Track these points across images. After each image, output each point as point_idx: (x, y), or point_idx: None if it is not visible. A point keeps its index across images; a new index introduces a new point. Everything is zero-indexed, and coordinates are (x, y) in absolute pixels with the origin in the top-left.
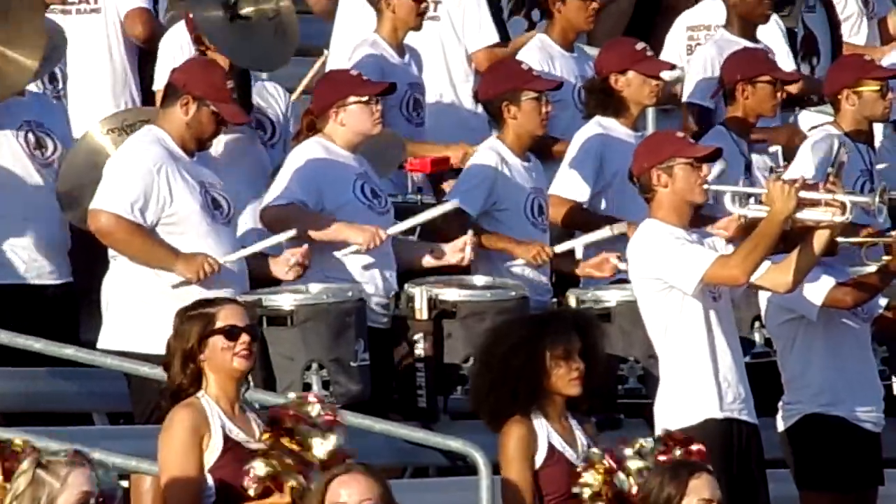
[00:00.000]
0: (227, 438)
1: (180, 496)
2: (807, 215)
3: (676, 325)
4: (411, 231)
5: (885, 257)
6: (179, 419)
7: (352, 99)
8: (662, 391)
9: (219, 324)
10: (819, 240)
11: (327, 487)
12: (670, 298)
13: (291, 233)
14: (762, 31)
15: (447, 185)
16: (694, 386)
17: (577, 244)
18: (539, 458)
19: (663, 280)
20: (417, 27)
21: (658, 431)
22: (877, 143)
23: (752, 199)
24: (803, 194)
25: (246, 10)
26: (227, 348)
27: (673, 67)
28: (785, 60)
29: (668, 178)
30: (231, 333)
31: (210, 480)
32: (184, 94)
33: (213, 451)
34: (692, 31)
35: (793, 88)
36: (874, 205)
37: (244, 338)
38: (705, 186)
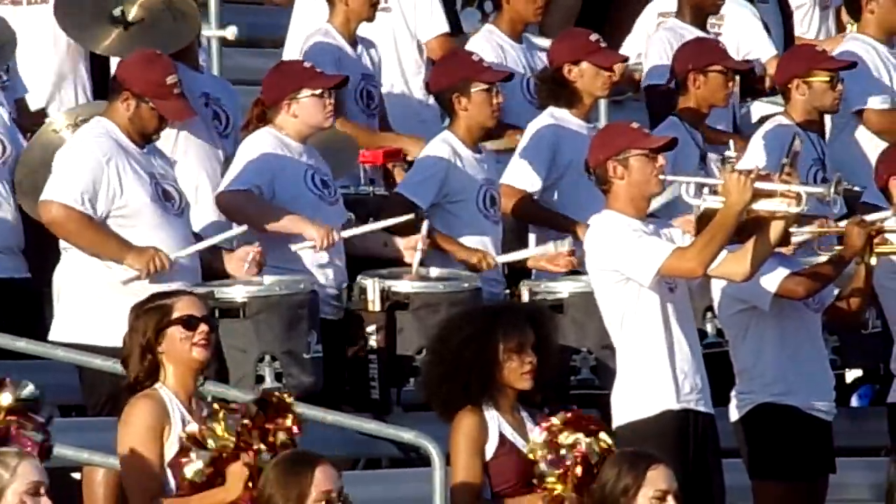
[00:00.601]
0: None
1: (141, 487)
2: (762, 206)
3: (633, 316)
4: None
5: (837, 247)
6: (139, 410)
7: (305, 91)
8: (619, 383)
9: (175, 314)
10: (775, 230)
11: (311, 476)
12: (627, 290)
13: (243, 228)
14: (739, 20)
15: (398, 174)
16: (650, 377)
17: (520, 257)
18: (490, 449)
19: (620, 272)
20: (370, 18)
21: (616, 423)
22: (827, 133)
23: (707, 190)
24: (759, 185)
25: (133, 15)
26: (186, 338)
27: (626, 60)
28: (767, 46)
29: (624, 170)
30: (189, 323)
31: (170, 474)
32: (124, 90)
33: (172, 444)
34: (664, 17)
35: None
36: (829, 195)
37: (202, 327)
38: (661, 177)
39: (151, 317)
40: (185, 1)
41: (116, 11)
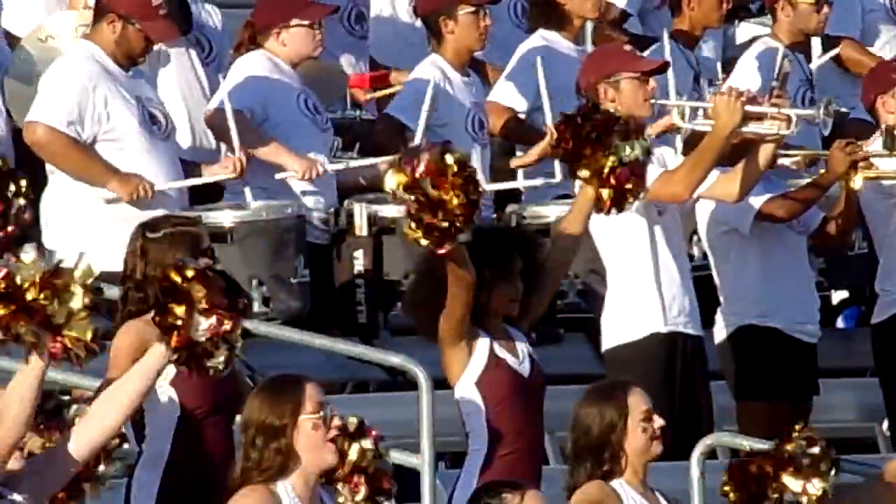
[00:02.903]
0: None
1: None
2: (752, 129)
3: (621, 240)
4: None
5: (822, 171)
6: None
7: (295, 21)
8: (608, 306)
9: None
10: (764, 153)
11: (302, 391)
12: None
13: (230, 175)
14: None
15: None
16: (638, 300)
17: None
18: (479, 365)
19: None
20: None
21: (604, 346)
22: (814, 56)
23: (697, 113)
24: (749, 108)
25: None
26: None
27: None
28: None
29: (615, 93)
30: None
31: (174, 394)
32: (109, 12)
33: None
34: None
35: None
36: (819, 118)
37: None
38: (651, 101)
39: (175, 251)
40: None
41: None
